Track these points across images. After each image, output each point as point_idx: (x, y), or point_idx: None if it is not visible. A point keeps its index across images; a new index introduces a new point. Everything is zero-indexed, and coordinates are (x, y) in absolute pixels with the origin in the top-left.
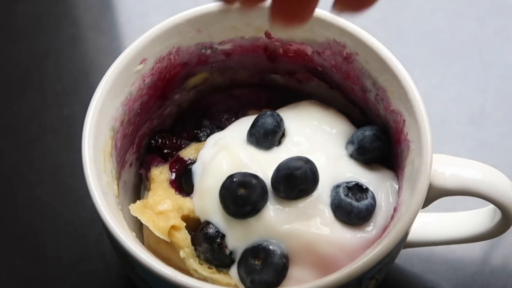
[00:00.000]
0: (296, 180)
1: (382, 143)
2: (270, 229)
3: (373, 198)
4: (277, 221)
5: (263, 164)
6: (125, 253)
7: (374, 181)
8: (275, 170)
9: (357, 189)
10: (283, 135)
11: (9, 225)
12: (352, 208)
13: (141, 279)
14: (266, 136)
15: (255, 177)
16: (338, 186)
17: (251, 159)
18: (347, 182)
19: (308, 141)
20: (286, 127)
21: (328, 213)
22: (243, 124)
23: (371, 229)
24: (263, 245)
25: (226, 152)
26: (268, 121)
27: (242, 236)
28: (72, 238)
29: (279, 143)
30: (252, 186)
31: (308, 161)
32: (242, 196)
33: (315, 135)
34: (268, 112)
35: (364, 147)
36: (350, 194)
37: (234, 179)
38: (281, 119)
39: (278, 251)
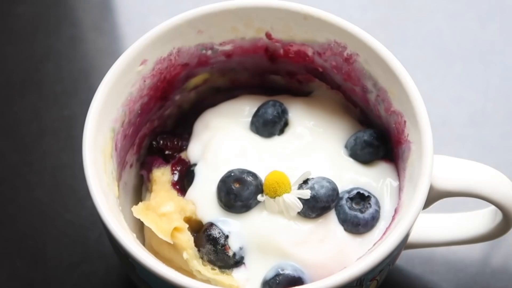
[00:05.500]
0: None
1: (374, 148)
2: (280, 246)
3: (377, 203)
4: (288, 240)
5: (262, 151)
6: (126, 254)
7: (374, 180)
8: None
9: (360, 198)
10: (286, 124)
11: (9, 226)
12: (359, 221)
13: (142, 280)
14: (266, 126)
15: (253, 175)
16: (340, 198)
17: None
18: (348, 192)
19: (310, 134)
20: (291, 117)
21: (338, 230)
22: (233, 107)
23: (377, 234)
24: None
25: (224, 134)
26: (269, 111)
27: (246, 237)
28: (73, 239)
29: (282, 131)
30: (246, 183)
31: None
32: (234, 190)
33: (318, 129)
34: (271, 102)
35: (356, 153)
36: (353, 205)
37: (232, 174)
38: (283, 110)
39: (308, 280)
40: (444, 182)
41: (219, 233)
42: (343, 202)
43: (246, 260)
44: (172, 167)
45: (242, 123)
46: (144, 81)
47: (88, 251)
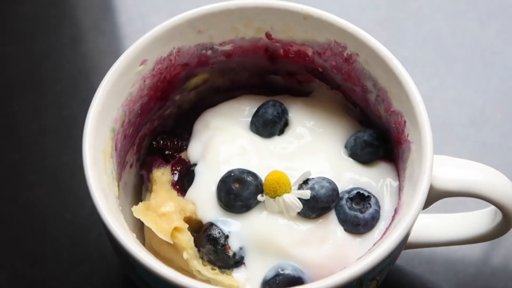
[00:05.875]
0: (321, 204)
1: (374, 148)
2: (280, 246)
3: (377, 203)
4: (288, 240)
5: (262, 151)
6: (126, 254)
7: (374, 180)
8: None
9: (359, 198)
10: (286, 124)
11: (9, 226)
12: (359, 221)
13: (142, 280)
14: (266, 126)
15: (253, 175)
16: (340, 198)
17: (251, 144)
18: (348, 192)
19: (310, 134)
20: (291, 117)
21: (338, 230)
22: (232, 108)
23: (377, 234)
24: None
25: (224, 134)
26: (269, 111)
27: (246, 237)
28: (73, 239)
29: (282, 131)
30: (246, 183)
31: (336, 195)
32: (234, 190)
33: (318, 129)
34: (271, 102)
35: (356, 153)
36: (353, 205)
37: (232, 174)
38: (283, 110)
39: (308, 280)
40: (444, 182)
41: (219, 233)
42: (343, 202)
43: (246, 260)
44: (172, 167)
45: (242, 123)
46: (144, 81)
47: (88, 251)
